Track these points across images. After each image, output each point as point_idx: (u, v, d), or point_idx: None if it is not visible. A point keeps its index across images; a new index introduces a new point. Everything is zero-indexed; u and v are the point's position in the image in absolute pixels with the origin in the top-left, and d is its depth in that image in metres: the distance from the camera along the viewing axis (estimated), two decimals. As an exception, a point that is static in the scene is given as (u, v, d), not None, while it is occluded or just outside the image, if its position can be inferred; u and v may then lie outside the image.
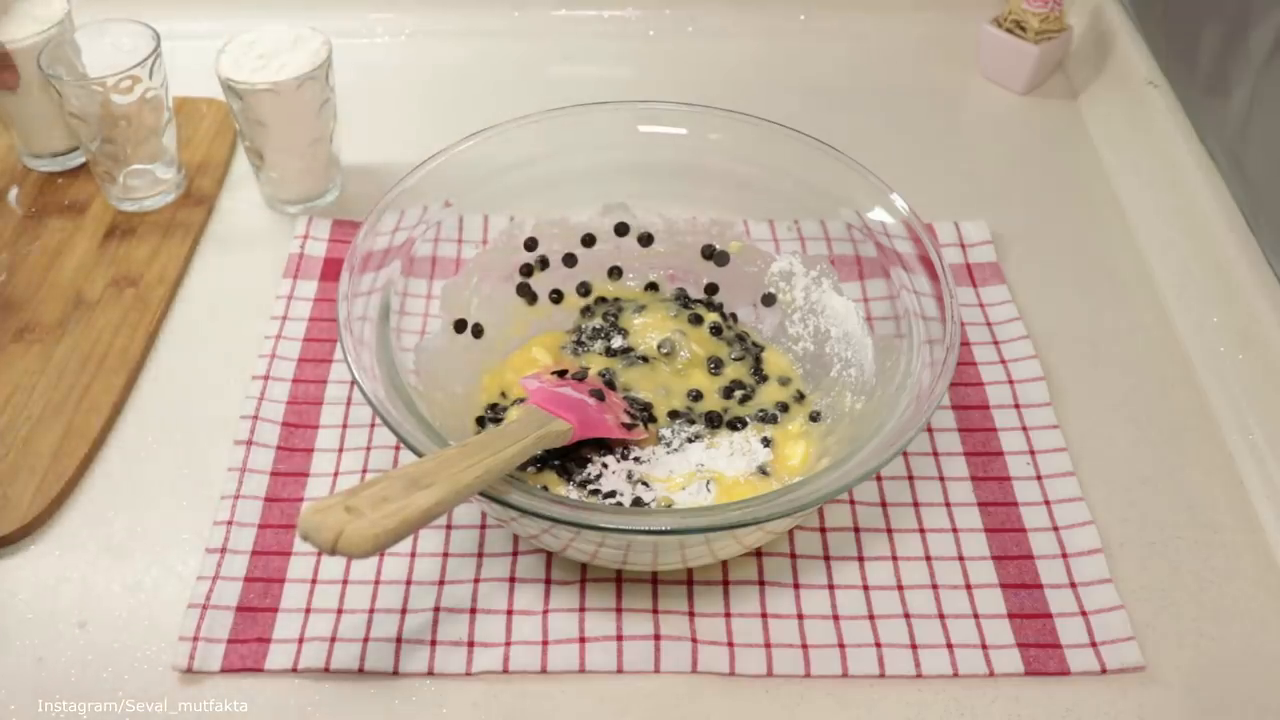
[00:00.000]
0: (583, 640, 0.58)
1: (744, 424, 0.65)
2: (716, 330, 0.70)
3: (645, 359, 0.68)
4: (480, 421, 0.66)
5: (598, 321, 0.71)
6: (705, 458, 0.64)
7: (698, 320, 0.70)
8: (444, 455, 0.52)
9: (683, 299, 0.73)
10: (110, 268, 0.78)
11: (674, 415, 0.66)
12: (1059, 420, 0.68)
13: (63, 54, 0.77)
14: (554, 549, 0.60)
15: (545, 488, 0.60)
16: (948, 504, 0.64)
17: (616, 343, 0.69)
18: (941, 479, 0.66)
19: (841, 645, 0.58)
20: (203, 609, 0.59)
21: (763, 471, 0.63)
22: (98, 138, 0.77)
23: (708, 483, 0.62)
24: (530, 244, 0.72)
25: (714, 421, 0.65)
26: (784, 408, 0.67)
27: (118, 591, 0.60)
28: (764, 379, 0.69)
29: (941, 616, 0.59)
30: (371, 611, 0.59)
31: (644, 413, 0.65)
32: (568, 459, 0.63)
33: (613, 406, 0.64)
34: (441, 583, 0.60)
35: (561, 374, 0.66)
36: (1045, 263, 0.80)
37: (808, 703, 0.56)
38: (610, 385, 0.66)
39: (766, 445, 0.64)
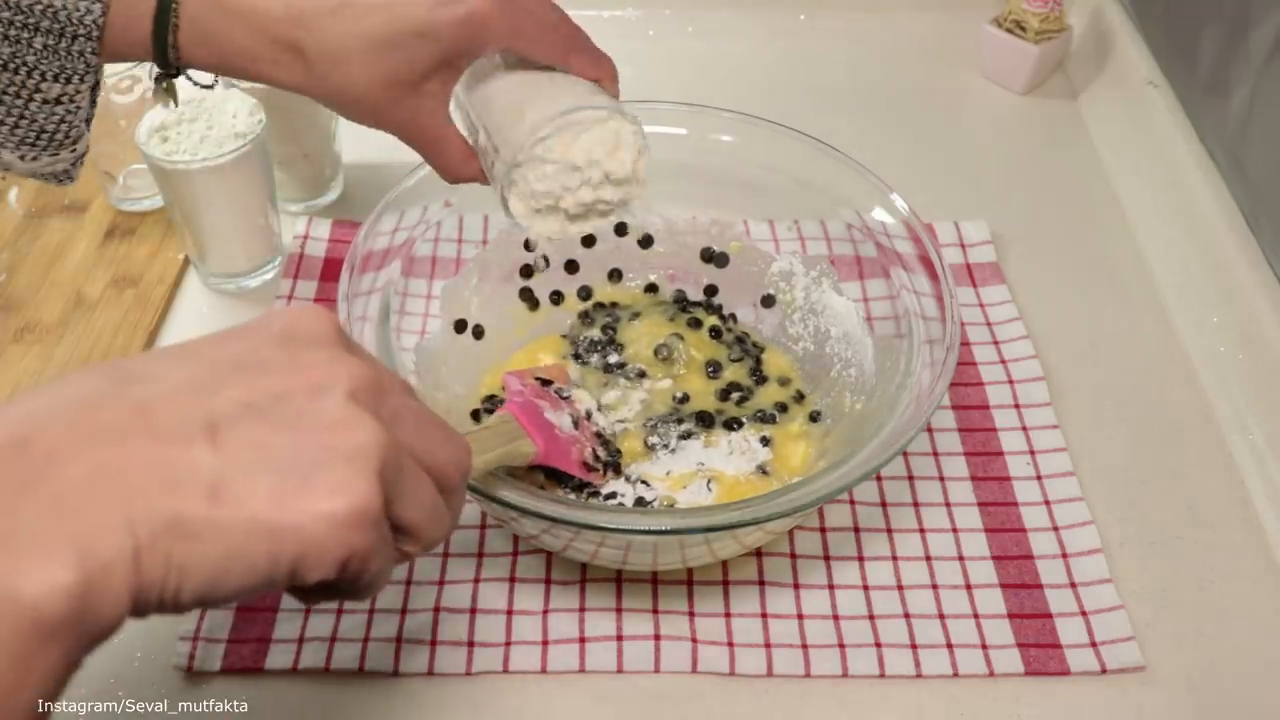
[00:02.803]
0: (583, 640, 0.58)
1: (740, 424, 0.65)
2: (716, 333, 0.70)
3: (643, 373, 0.67)
4: (475, 415, 0.66)
5: (595, 333, 0.70)
6: (705, 456, 0.64)
7: (696, 324, 0.70)
8: None
9: (681, 302, 0.72)
10: (110, 268, 0.78)
11: (662, 420, 0.65)
12: (1059, 420, 0.68)
13: None
14: (554, 549, 0.60)
15: (544, 487, 0.60)
16: (948, 504, 0.64)
17: (613, 358, 0.68)
18: (941, 479, 0.66)
19: (841, 645, 0.58)
20: (202, 608, 0.58)
21: (763, 471, 0.63)
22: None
23: (708, 482, 0.62)
24: (530, 244, 0.72)
25: (706, 421, 0.65)
26: (783, 408, 0.67)
27: (118, 591, 0.60)
28: (763, 380, 0.69)
29: (941, 616, 0.59)
30: (371, 611, 0.59)
31: (611, 458, 0.62)
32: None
33: (582, 440, 0.61)
34: (441, 583, 0.60)
35: (546, 383, 0.63)
36: (1045, 263, 0.80)
37: (808, 703, 0.56)
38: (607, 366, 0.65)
39: (766, 445, 0.64)
